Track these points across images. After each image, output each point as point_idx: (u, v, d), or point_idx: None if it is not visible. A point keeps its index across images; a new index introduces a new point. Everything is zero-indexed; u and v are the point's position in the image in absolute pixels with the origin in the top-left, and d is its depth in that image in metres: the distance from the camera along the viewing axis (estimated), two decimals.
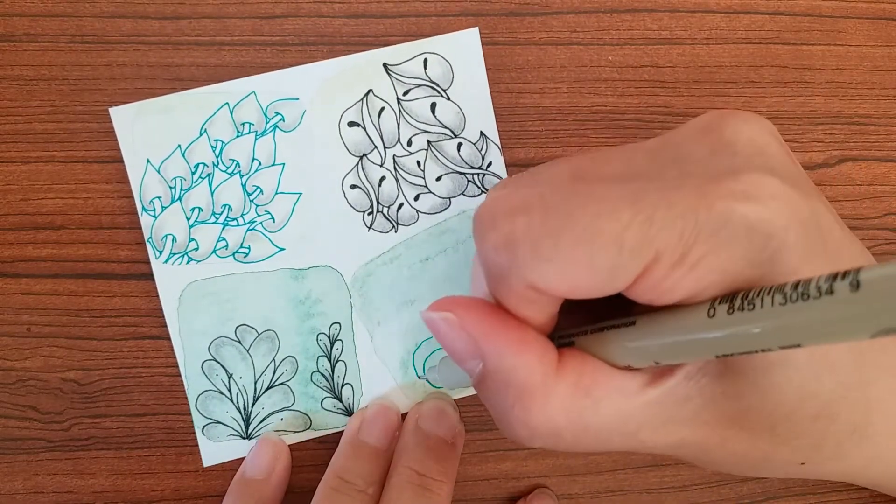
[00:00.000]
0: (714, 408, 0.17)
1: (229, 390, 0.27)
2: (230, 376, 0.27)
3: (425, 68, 0.27)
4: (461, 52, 0.27)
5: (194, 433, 0.27)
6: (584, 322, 0.19)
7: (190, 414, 0.27)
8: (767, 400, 0.16)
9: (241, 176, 0.27)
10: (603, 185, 0.16)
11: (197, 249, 0.27)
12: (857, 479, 0.21)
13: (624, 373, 0.17)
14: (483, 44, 0.27)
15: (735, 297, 0.14)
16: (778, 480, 0.28)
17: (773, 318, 0.13)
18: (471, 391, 0.27)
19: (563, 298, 0.17)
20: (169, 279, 0.26)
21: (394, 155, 0.27)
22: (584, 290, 0.16)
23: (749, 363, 0.16)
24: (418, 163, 0.27)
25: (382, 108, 0.27)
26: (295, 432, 0.27)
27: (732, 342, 0.14)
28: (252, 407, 0.27)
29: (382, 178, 0.27)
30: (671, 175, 0.16)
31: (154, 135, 0.26)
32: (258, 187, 0.27)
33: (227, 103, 0.27)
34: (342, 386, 0.27)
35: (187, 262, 0.26)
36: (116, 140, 0.26)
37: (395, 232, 0.27)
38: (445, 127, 0.27)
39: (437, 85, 0.27)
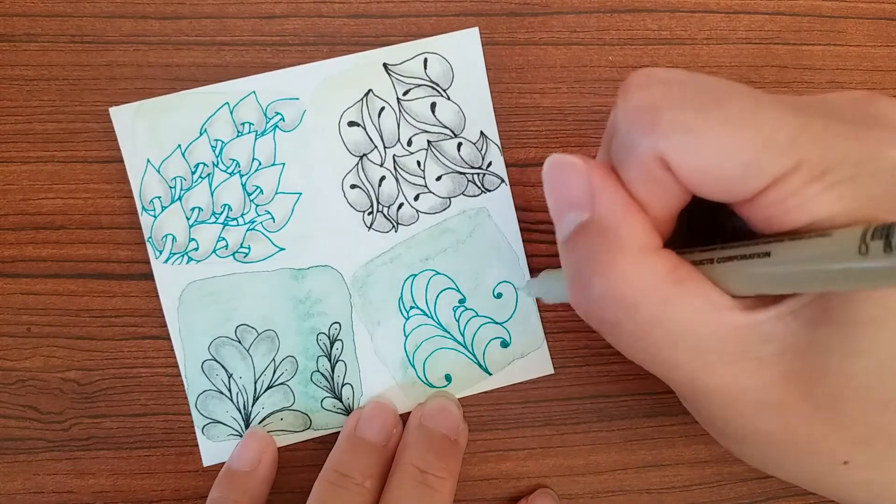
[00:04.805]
0: (792, 359, 0.16)
1: (229, 390, 0.27)
2: (230, 376, 0.27)
3: (425, 68, 0.27)
4: (461, 51, 0.27)
5: (194, 433, 0.27)
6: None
7: (190, 414, 0.27)
8: (849, 364, 0.16)
9: (241, 176, 0.27)
10: (758, 93, 0.16)
11: (197, 249, 0.27)
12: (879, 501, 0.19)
13: (717, 289, 0.17)
14: (483, 44, 0.27)
15: (891, 234, 0.13)
16: (777, 480, 0.28)
17: None
18: (482, 386, 0.27)
19: (683, 197, 0.17)
20: (169, 279, 0.26)
21: (394, 155, 0.27)
22: (713, 180, 0.16)
23: (848, 318, 0.16)
24: (418, 163, 0.27)
25: (382, 108, 0.27)
26: (295, 432, 0.27)
27: (881, 281, 0.14)
28: (252, 406, 0.27)
29: (382, 178, 0.27)
30: (825, 116, 0.16)
31: (154, 134, 0.26)
32: (258, 187, 0.27)
33: (227, 103, 0.27)
34: (342, 386, 0.27)
35: (187, 262, 0.26)
36: (116, 140, 0.26)
37: (395, 232, 0.27)
38: (445, 127, 0.27)
39: (437, 85, 0.27)
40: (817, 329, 0.16)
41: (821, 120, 0.15)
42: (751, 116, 0.15)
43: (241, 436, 0.27)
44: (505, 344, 0.27)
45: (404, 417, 0.27)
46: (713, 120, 0.15)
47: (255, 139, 0.27)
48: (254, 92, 0.27)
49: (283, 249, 0.27)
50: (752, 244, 0.17)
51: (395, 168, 0.27)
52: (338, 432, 0.27)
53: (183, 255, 0.26)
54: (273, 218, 0.27)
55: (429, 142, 0.27)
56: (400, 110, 0.27)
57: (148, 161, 0.26)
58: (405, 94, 0.27)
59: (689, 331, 0.17)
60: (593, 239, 0.17)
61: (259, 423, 0.27)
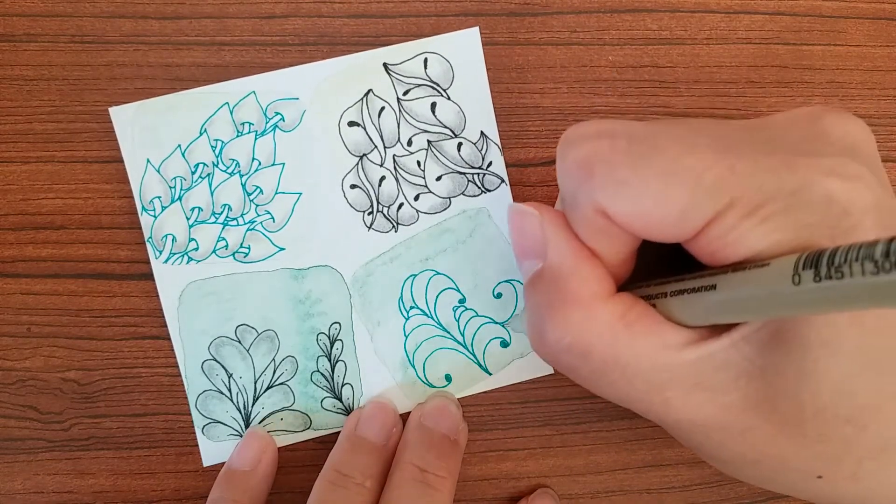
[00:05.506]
0: (747, 385, 0.17)
1: (229, 390, 0.27)
2: (230, 376, 0.27)
3: (425, 68, 0.27)
4: (461, 51, 0.27)
5: (194, 433, 0.27)
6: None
7: (190, 414, 0.27)
8: (805, 385, 0.16)
9: (241, 176, 0.27)
10: (693, 135, 0.17)
11: (197, 249, 0.27)
12: None
13: (671, 325, 0.17)
14: (483, 44, 0.27)
15: (819, 263, 0.13)
16: None
17: (865, 286, 0.12)
18: (482, 386, 0.27)
19: (632, 241, 0.17)
20: (169, 279, 0.26)
21: (394, 155, 0.27)
22: (652, 226, 0.16)
23: (799, 340, 0.16)
24: (418, 162, 0.27)
25: (382, 108, 0.27)
26: (295, 432, 0.27)
27: (815, 307, 0.14)
28: (252, 406, 0.27)
29: (382, 178, 0.27)
30: (761, 147, 0.17)
31: (154, 134, 0.26)
32: (258, 187, 0.27)
33: (226, 103, 0.27)
34: (342, 386, 0.27)
35: (187, 262, 0.26)
36: (116, 140, 0.26)
37: (395, 232, 0.27)
38: (445, 127, 0.27)
39: (438, 84, 0.27)
40: (770, 353, 0.16)
41: (751, 155, 0.16)
42: (680, 163, 0.16)
43: (241, 436, 0.27)
44: (505, 344, 0.27)
45: (404, 417, 0.27)
46: (643, 172, 0.16)
47: (255, 139, 0.27)
48: (254, 92, 0.27)
49: (283, 249, 0.27)
50: (701, 276, 0.17)
51: (395, 168, 0.27)
52: (338, 432, 0.27)
53: (183, 255, 0.26)
54: (273, 218, 0.27)
55: (429, 142, 0.27)
56: (400, 110, 0.27)
57: (148, 161, 0.26)
58: (405, 93, 0.27)
59: (643, 370, 0.17)
60: (548, 287, 0.18)
61: (259, 423, 0.27)
